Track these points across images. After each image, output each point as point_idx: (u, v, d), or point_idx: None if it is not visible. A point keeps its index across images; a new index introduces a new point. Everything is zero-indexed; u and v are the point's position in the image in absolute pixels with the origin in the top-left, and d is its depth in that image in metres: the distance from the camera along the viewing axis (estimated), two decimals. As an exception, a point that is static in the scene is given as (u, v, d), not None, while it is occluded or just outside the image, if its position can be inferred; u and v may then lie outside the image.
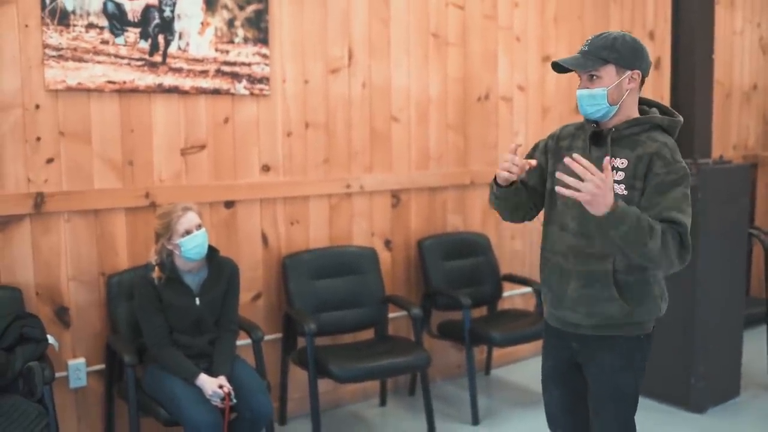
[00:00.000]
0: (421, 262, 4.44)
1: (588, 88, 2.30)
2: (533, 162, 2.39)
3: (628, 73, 2.28)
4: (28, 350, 3.02)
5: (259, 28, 3.80)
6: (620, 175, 2.27)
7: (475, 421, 4.04)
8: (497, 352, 4.87)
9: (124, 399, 3.27)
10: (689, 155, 4.15)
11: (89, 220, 3.45)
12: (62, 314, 3.42)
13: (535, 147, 2.56)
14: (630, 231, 2.09)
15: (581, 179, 2.08)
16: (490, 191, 2.50)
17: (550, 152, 2.47)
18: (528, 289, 4.78)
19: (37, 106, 3.28)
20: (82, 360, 3.47)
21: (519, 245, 5.03)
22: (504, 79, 4.83)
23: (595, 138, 2.34)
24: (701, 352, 4.09)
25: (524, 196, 2.50)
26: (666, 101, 4.70)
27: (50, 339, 3.18)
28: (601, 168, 2.11)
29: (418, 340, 3.99)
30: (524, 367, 4.92)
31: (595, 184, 2.06)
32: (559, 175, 2.15)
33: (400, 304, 4.16)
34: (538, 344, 4.65)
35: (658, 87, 5.69)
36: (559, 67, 2.34)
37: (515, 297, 4.99)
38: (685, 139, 4.20)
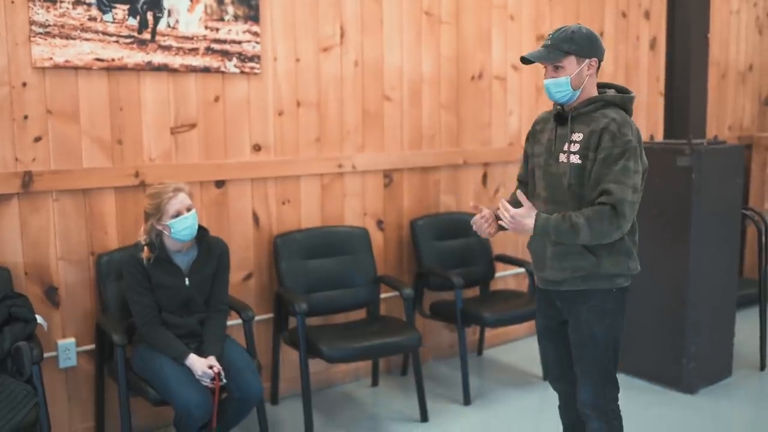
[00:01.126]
0: (413, 243, 4.43)
1: (554, 77, 2.61)
2: (489, 214, 2.75)
3: (587, 61, 2.60)
4: (16, 330, 3.00)
5: (249, 6, 3.75)
6: (576, 147, 2.59)
7: (467, 401, 4.04)
8: (489, 333, 4.87)
9: (114, 379, 3.26)
10: (684, 135, 4.14)
11: (78, 200, 3.42)
12: (51, 294, 3.40)
13: (526, 140, 2.90)
14: (558, 235, 2.53)
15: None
16: None
17: (532, 136, 2.85)
18: (521, 270, 4.76)
19: (24, 84, 3.24)
20: (71, 340, 3.45)
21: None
22: (498, 59, 4.79)
23: (559, 118, 2.68)
24: (693, 333, 4.09)
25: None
26: (661, 81, 4.69)
27: (39, 319, 3.17)
28: (565, 142, 2.61)
29: (410, 320, 3.98)
30: (516, 348, 4.93)
31: (508, 221, 2.59)
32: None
33: (392, 285, 4.15)
34: (530, 325, 4.67)
35: (654, 67, 5.66)
36: (526, 60, 2.65)
37: (508, 277, 4.98)
38: (679, 119, 4.20)
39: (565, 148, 2.62)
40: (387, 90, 4.32)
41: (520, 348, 4.91)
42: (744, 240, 5.87)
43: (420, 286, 4.37)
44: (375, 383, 4.34)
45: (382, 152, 4.34)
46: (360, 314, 4.18)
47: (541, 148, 2.73)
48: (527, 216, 2.57)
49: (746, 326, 4.73)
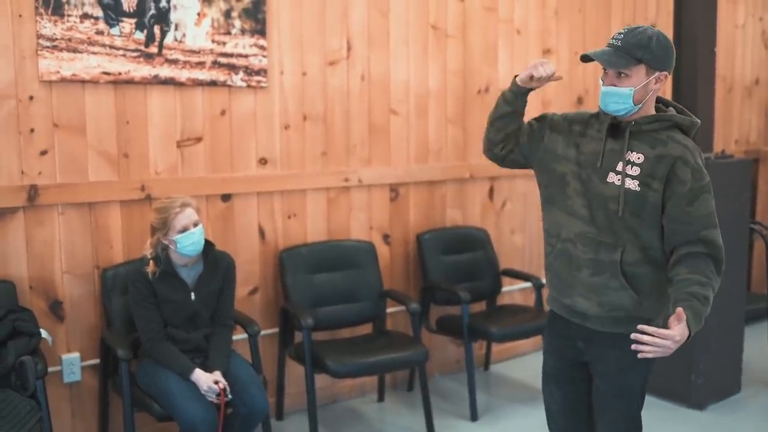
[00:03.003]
0: (419, 257, 4.40)
1: (615, 85, 2.24)
2: (560, 76, 2.42)
3: (657, 74, 2.24)
4: (20, 344, 2.99)
5: (256, 19, 3.75)
6: (635, 170, 2.24)
7: (474, 417, 4.01)
8: (496, 348, 4.84)
9: (119, 394, 3.24)
10: (691, 149, 4.11)
11: (84, 213, 3.41)
12: (56, 308, 3.38)
13: (543, 117, 2.53)
14: (703, 320, 2.14)
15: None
16: (500, 98, 2.50)
17: (559, 132, 2.43)
18: (527, 284, 4.74)
19: (31, 98, 3.24)
20: (76, 354, 3.43)
21: (518, 240, 4.99)
22: (504, 73, 4.78)
23: (613, 130, 2.31)
24: (702, 348, 4.05)
25: (518, 126, 2.52)
26: (668, 96, 4.67)
27: (43, 333, 3.15)
28: (618, 160, 2.25)
29: (417, 335, 3.95)
30: (524, 363, 4.89)
31: (669, 347, 2.02)
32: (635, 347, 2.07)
33: (399, 299, 4.13)
34: (537, 340, 4.64)
35: (660, 81, 5.64)
36: (587, 58, 2.28)
37: (515, 292, 4.95)
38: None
39: (619, 167, 2.26)
40: (393, 104, 4.32)
41: (527, 363, 4.87)
42: (751, 254, 5.83)
43: (426, 301, 4.35)
44: (381, 398, 4.31)
45: (388, 166, 4.32)
46: (366, 329, 4.16)
47: (580, 155, 2.34)
48: (683, 337, 2.04)
49: (755, 341, 4.69)
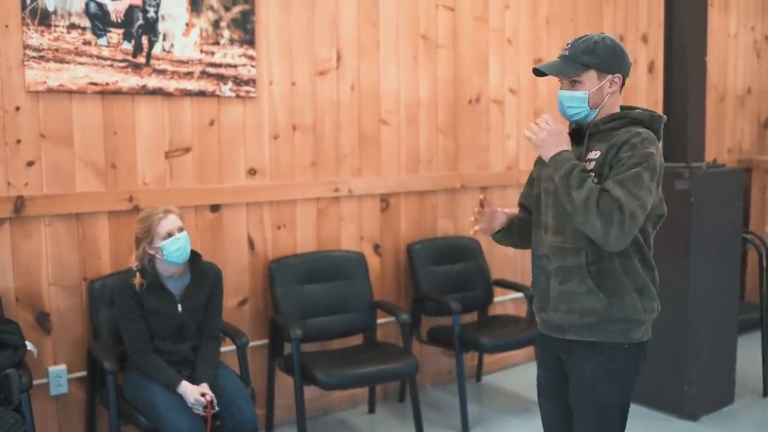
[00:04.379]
0: (410, 267, 4.38)
1: (569, 90, 2.32)
2: (504, 211, 2.54)
3: (609, 77, 2.30)
4: (5, 357, 2.95)
5: (245, 30, 3.74)
6: (591, 165, 2.26)
7: (465, 428, 3.98)
8: (488, 359, 4.81)
9: (106, 406, 3.20)
10: (682, 159, 4.11)
11: (71, 225, 3.38)
12: (43, 320, 3.35)
13: (536, 161, 2.54)
14: (564, 176, 2.19)
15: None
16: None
17: (538, 162, 2.50)
18: (519, 295, 4.71)
19: (18, 108, 3.22)
20: (63, 366, 3.40)
21: (510, 250, 4.90)
22: (495, 82, 4.78)
23: (575, 136, 2.36)
24: (694, 359, 4.03)
25: (523, 228, 2.57)
26: (659, 105, 4.67)
27: (29, 345, 3.12)
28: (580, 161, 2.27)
29: (407, 346, 3.92)
30: (516, 374, 4.87)
31: (548, 132, 2.25)
32: (525, 128, 2.33)
33: (389, 310, 4.10)
34: (529, 350, 4.62)
35: (652, 90, 5.64)
36: (539, 73, 2.36)
37: (506, 302, 4.93)
38: (678, 142, 4.17)
39: None
40: (384, 114, 4.30)
41: (519, 374, 4.84)
42: (745, 264, 5.82)
43: (417, 312, 4.32)
44: (372, 410, 4.28)
45: (378, 176, 4.31)
46: (356, 340, 4.13)
47: (551, 170, 2.36)
48: (557, 142, 2.25)
49: (748, 351, 4.66)
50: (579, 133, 2.35)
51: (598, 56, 2.27)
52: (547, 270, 2.39)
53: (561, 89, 2.34)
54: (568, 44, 2.33)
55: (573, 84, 2.30)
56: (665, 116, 2.38)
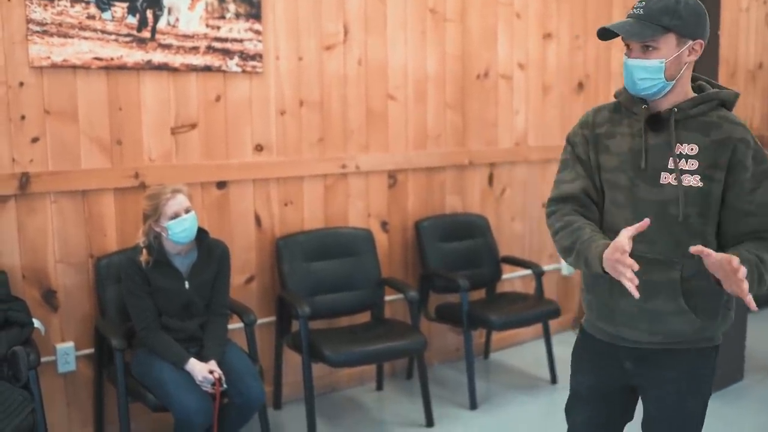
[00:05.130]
0: (418, 244, 4.36)
1: (642, 58, 1.94)
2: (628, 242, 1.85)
3: (690, 43, 1.94)
4: (12, 334, 2.95)
5: (251, 3, 3.69)
6: (692, 164, 1.93)
7: (473, 405, 3.97)
8: (496, 336, 4.80)
9: (114, 384, 3.20)
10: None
11: (77, 201, 3.36)
12: (50, 297, 3.34)
13: (574, 145, 2.13)
14: (754, 284, 1.87)
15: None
16: (580, 261, 1.96)
17: (590, 143, 2.09)
18: (528, 272, 4.68)
19: (21, 84, 3.18)
20: (70, 344, 3.39)
21: (518, 227, 4.94)
22: (504, 57, 4.72)
23: (654, 122, 1.98)
24: (704, 336, 4.00)
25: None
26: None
27: (36, 323, 3.12)
28: (667, 156, 1.95)
29: (415, 323, 3.91)
30: (523, 351, 4.85)
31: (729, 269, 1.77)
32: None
33: (397, 287, 4.08)
34: (537, 328, 4.60)
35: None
36: (606, 34, 2.00)
37: (515, 279, 4.90)
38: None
39: (670, 164, 1.95)
40: (391, 89, 4.25)
41: (527, 351, 4.83)
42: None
43: (425, 289, 4.30)
44: (380, 387, 4.27)
45: (386, 152, 4.27)
46: (364, 317, 4.12)
47: (617, 160, 2.01)
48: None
49: (757, 329, 4.65)
50: (656, 119, 1.98)
51: (680, 18, 1.90)
52: (612, 279, 1.89)
53: (629, 57, 1.97)
54: (641, 2, 1.94)
55: (646, 49, 1.93)
56: (740, 93, 2.09)
